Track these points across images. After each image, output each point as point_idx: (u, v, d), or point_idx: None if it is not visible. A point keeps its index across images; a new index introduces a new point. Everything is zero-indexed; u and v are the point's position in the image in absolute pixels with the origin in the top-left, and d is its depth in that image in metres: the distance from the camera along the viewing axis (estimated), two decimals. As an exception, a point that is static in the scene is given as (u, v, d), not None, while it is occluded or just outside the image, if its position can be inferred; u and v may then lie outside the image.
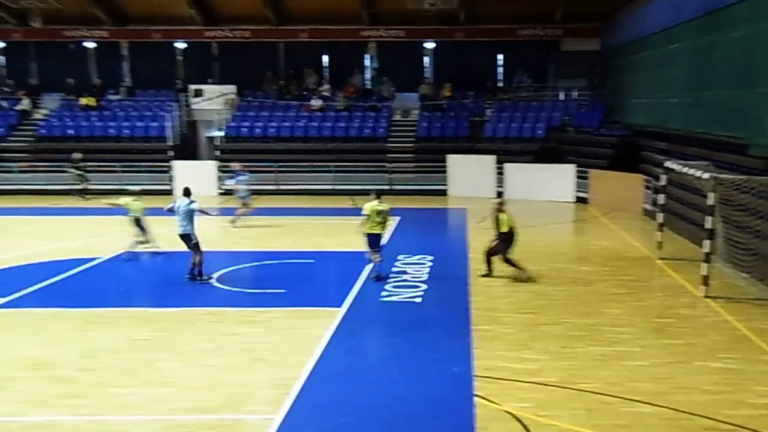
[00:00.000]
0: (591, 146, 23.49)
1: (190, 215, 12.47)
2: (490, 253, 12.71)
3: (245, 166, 19.58)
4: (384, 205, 12.62)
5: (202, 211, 12.88)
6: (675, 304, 11.18)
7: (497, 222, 12.56)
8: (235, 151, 26.23)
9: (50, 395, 7.65)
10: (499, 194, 12.62)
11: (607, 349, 9.05)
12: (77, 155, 24.79)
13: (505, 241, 12.50)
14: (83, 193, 24.27)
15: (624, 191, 19.73)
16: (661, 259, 14.06)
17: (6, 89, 29.50)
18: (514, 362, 8.57)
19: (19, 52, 29.98)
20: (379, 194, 12.89)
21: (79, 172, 24.61)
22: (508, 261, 12.50)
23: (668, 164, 14.01)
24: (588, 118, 25.81)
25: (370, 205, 12.59)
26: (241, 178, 18.73)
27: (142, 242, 14.63)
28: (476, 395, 7.57)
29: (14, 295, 11.62)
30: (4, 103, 28.56)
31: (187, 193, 12.71)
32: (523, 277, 12.49)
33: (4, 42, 29.59)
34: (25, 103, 28.48)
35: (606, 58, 27.21)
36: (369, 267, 13.09)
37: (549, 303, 11.21)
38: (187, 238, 12.49)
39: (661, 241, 14.32)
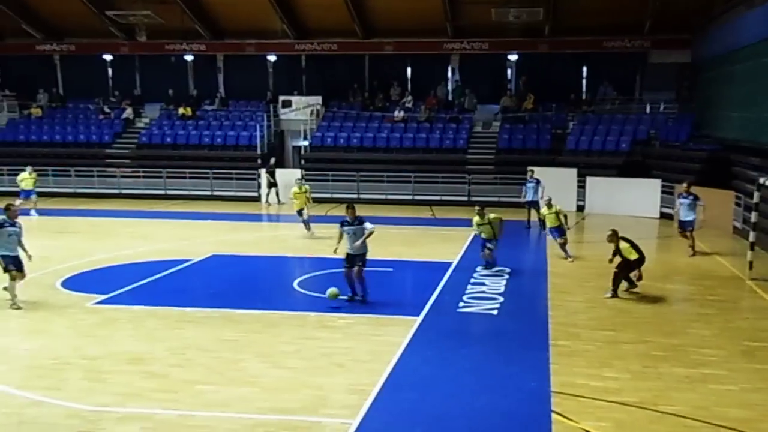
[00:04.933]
0: (678, 161, 22.64)
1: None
2: (626, 274, 12.32)
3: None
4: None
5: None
6: (767, 326, 10.67)
7: (620, 253, 12.10)
8: (319, 160, 27.07)
9: (144, 389, 8.10)
10: (614, 230, 12.48)
11: (693, 371, 8.74)
12: (272, 161, 25.84)
13: (632, 266, 12.17)
14: (277, 198, 25.07)
15: (713, 208, 18.85)
16: (753, 279, 13.43)
17: (112, 99, 31.63)
18: (594, 380, 8.41)
19: (125, 65, 32.07)
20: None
21: (272, 179, 25.22)
22: (618, 278, 12.16)
23: (762, 180, 13.39)
24: (675, 132, 24.94)
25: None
26: None
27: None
28: (554, 411, 7.49)
29: (114, 293, 12.39)
30: (111, 113, 30.58)
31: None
32: (607, 295, 12.19)
33: (113, 55, 31.70)
34: (128, 112, 30.40)
35: (696, 70, 26.24)
36: (446, 277, 13.39)
37: (631, 321, 10.94)
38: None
39: (753, 260, 13.68)
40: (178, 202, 25.57)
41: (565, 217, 15.77)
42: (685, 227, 16.21)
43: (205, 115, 30.16)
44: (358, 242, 11.75)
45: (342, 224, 11.95)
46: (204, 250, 16.28)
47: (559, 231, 15.57)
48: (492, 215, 14.24)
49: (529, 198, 20.03)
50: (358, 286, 11.88)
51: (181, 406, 7.64)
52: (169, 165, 27.05)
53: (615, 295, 12.16)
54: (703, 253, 16.19)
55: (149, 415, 7.41)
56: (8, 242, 11.35)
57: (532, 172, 20.60)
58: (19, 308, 11.30)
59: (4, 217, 11.53)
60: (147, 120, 30.77)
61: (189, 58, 31.09)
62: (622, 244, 12.05)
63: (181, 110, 29.76)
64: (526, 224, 19.94)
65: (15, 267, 11.38)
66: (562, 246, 15.53)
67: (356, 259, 11.83)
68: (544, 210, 15.97)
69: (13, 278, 11.39)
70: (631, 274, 12.26)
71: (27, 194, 22.07)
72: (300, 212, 18.49)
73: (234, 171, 26.74)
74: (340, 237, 11.97)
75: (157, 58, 31.06)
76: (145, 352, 9.35)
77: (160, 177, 26.64)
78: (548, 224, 15.77)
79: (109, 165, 27.93)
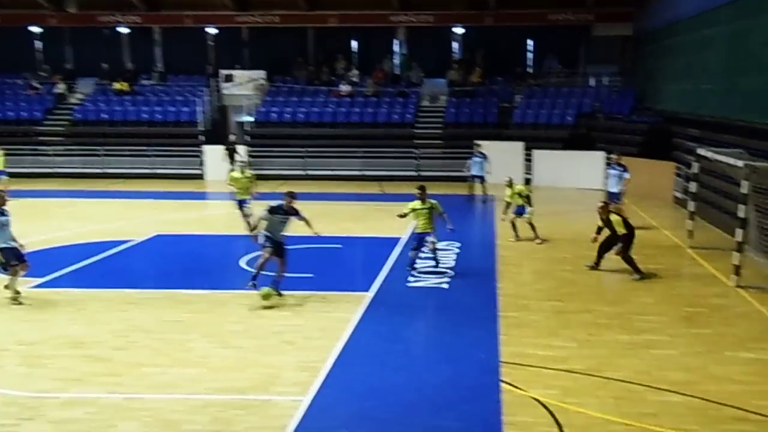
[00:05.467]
0: (621, 133, 23.14)
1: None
2: (604, 249, 12.27)
3: None
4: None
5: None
6: (706, 293, 11.06)
7: (611, 225, 12.01)
8: (264, 136, 26.55)
9: (86, 373, 7.85)
10: (605, 202, 12.45)
11: (636, 338, 9.00)
12: (232, 137, 24.76)
13: (626, 241, 12.02)
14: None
15: (654, 179, 19.42)
16: (692, 248, 13.89)
17: (42, 74, 30.05)
18: (541, 349, 8.57)
19: (56, 37, 30.43)
20: None
21: (228, 159, 23.60)
22: (626, 259, 12.03)
23: (701, 151, 13.77)
24: (618, 105, 25.51)
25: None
26: None
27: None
28: (503, 381, 7.61)
29: (52, 276, 11.89)
30: (41, 88, 29.11)
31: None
32: (635, 278, 11.87)
33: (41, 27, 30.01)
34: (60, 88, 28.98)
35: (638, 43, 26.77)
36: (396, 252, 13.42)
37: (577, 290, 11.17)
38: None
39: (692, 229, 14.13)
40: (117, 181, 24.71)
41: (528, 197, 14.80)
42: (611, 199, 15.70)
43: (143, 90, 29.08)
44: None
45: (272, 211, 10.44)
46: (146, 229, 15.79)
47: (521, 210, 14.77)
48: (433, 201, 12.32)
49: (474, 172, 20.11)
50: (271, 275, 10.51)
51: (127, 389, 7.43)
52: (106, 143, 26.03)
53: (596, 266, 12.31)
54: (645, 225, 16.59)
55: (93, 400, 7.18)
56: (3, 233, 10.25)
57: (479, 146, 20.67)
58: (21, 303, 10.32)
59: None
60: (81, 95, 29.40)
61: (124, 30, 29.82)
62: (614, 217, 12.09)
63: (117, 85, 28.58)
64: (471, 197, 20.08)
65: (17, 260, 10.34)
66: (531, 226, 14.68)
67: (280, 248, 10.56)
68: (507, 191, 14.95)
69: (14, 273, 10.35)
70: (614, 250, 12.04)
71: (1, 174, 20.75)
72: (241, 204, 15.20)
73: (175, 148, 25.95)
74: (259, 223, 10.61)
75: (89, 30, 29.58)
76: (87, 336, 9.02)
77: (97, 155, 25.64)
78: (513, 204, 14.85)
79: (41, 143, 26.65)
